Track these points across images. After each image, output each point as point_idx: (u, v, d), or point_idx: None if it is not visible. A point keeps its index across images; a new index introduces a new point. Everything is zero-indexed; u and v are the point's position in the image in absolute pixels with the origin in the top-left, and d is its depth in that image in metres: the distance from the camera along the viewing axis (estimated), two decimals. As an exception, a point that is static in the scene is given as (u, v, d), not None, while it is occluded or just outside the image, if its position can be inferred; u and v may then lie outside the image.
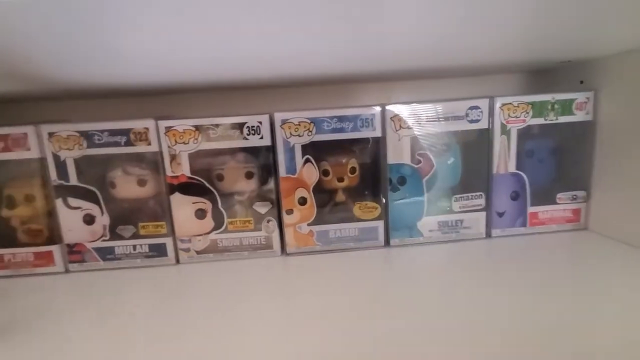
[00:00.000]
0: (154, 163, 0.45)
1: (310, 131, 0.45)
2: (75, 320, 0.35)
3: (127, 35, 0.25)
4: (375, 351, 0.28)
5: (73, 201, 0.45)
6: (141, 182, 0.46)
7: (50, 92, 0.47)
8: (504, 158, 0.48)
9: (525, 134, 0.47)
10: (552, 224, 0.50)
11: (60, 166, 0.44)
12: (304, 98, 0.59)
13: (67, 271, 0.46)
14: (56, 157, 0.43)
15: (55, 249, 0.45)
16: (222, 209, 0.46)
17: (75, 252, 0.46)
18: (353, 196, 0.47)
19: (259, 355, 0.29)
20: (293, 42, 0.29)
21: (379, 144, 0.46)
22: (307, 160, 0.46)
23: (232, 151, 0.45)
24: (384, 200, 0.47)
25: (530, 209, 0.49)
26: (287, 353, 0.29)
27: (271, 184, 0.46)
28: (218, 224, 0.47)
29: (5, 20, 0.21)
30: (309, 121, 0.44)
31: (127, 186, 0.46)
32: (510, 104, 0.46)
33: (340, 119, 0.45)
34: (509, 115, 0.46)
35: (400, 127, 0.45)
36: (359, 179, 0.47)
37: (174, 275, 0.44)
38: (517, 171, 0.48)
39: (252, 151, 0.45)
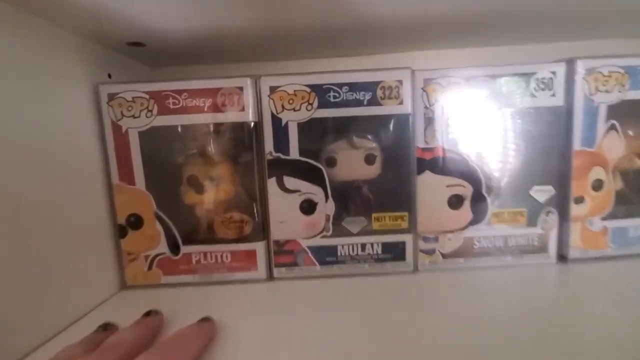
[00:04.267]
0: (392, 130, 0.33)
1: (623, 85, 0.32)
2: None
3: None
4: None
5: (290, 181, 0.33)
6: (369, 159, 0.34)
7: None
8: None
9: None
10: None
11: (280, 133, 0.32)
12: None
13: (270, 278, 0.34)
14: (276, 121, 0.32)
15: (259, 247, 0.34)
16: (486, 194, 0.33)
17: (285, 253, 0.34)
18: (656, 180, 0.34)
19: None
20: None
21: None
22: (612, 128, 0.33)
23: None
24: None
25: None
26: None
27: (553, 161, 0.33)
28: (478, 215, 0.34)
29: None
30: (622, 72, 0.32)
31: (352, 163, 0.34)
32: None
33: (669, 66, 0.32)
34: None
35: None
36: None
37: (412, 289, 0.31)
38: None
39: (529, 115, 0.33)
